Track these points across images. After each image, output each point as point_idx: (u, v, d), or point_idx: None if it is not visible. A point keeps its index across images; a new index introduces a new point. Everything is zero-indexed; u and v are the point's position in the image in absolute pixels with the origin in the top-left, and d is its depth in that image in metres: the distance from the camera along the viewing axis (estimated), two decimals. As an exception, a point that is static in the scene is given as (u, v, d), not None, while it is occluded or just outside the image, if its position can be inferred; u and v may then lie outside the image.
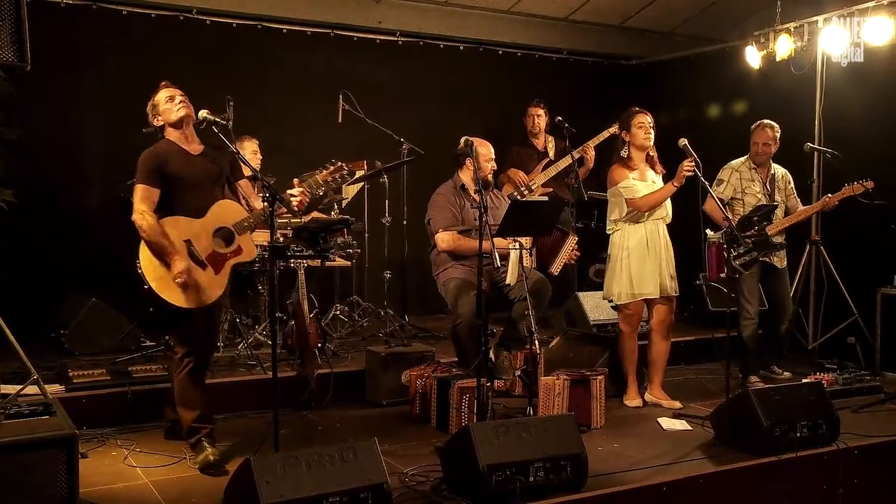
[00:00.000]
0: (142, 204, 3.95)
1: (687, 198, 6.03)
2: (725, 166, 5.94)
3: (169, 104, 4.11)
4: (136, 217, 3.92)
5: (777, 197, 5.86)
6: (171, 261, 3.88)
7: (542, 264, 5.38)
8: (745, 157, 5.92)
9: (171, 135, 4.14)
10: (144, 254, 3.91)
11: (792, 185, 5.98)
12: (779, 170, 5.95)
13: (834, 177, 6.22)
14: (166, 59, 6.79)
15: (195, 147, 4.17)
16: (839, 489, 4.27)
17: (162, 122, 4.12)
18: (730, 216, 5.23)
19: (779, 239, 5.75)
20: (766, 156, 5.84)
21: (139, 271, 3.91)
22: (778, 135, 5.84)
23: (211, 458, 3.97)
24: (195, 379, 4.11)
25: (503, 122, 7.88)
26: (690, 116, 8.08)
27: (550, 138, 6.98)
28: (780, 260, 5.84)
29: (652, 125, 5.15)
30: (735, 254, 5.42)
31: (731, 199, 5.87)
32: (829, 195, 5.77)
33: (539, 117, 6.94)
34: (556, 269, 5.35)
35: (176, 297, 3.91)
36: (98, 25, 6.56)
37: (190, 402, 4.12)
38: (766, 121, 5.87)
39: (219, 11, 6.91)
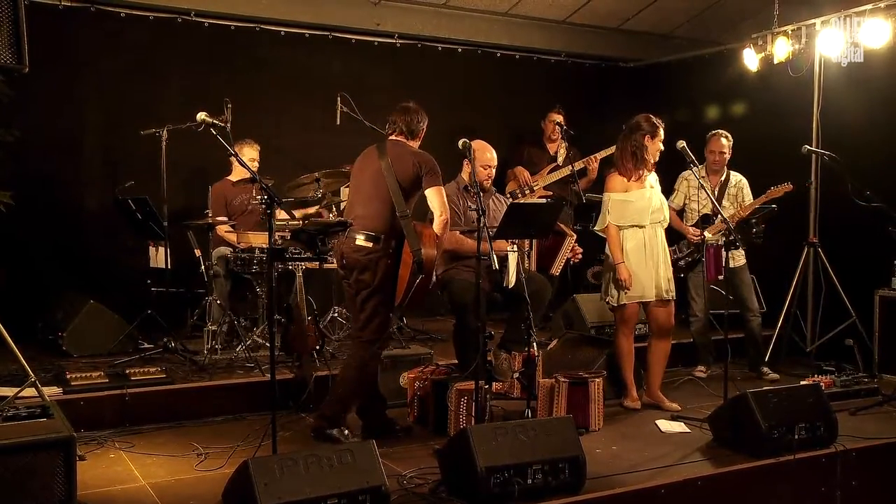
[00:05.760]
0: None
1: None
2: (680, 176, 6.10)
3: None
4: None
5: (725, 203, 5.99)
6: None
7: (541, 266, 5.39)
8: (702, 165, 6.03)
9: None
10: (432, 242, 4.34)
11: (746, 191, 6.05)
12: (734, 177, 6.07)
13: (832, 179, 6.23)
14: (164, 61, 6.80)
15: None
16: (837, 491, 4.28)
17: (420, 136, 4.56)
18: (722, 217, 5.29)
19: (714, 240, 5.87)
20: (720, 164, 6.03)
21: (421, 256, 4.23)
22: (731, 143, 6.00)
23: None
24: None
25: (501, 125, 7.90)
26: (689, 118, 8.07)
27: (564, 144, 7.04)
28: (732, 259, 5.89)
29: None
30: (677, 255, 5.74)
31: (684, 205, 6.09)
32: (739, 209, 5.94)
33: (556, 124, 7.03)
34: (556, 269, 5.39)
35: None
36: (96, 27, 6.55)
37: None
38: (719, 130, 6.06)
39: (217, 14, 6.91)
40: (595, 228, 5.35)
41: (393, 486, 3.57)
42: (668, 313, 5.18)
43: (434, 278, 4.39)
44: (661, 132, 5.13)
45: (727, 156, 6.00)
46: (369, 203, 4.40)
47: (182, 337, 5.92)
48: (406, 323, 6.88)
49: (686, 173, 6.04)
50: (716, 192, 6.00)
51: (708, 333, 6.16)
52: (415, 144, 4.54)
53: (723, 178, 6.05)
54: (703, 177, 5.97)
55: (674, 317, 5.23)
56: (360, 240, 4.32)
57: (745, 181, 6.08)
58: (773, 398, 4.34)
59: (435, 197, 4.35)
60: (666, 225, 5.25)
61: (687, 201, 6.06)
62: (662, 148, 5.16)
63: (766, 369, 6.06)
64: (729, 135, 6.02)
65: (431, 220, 4.49)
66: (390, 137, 4.55)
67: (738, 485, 4.05)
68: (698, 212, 6.00)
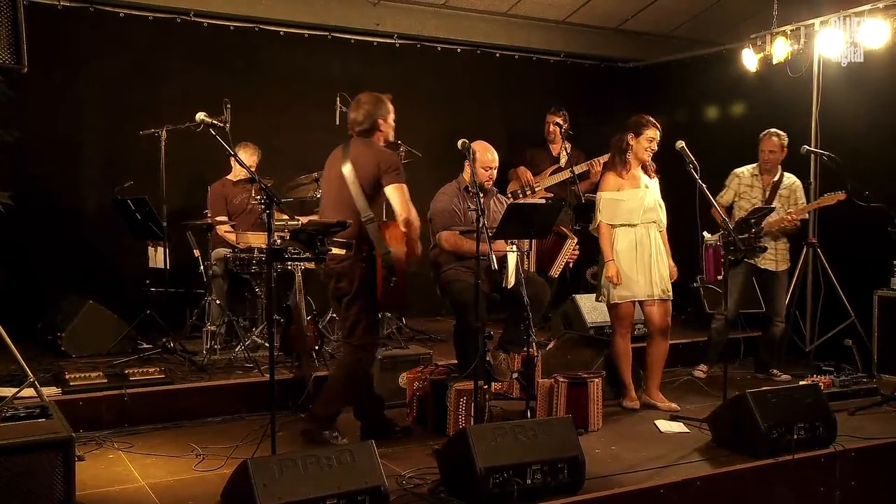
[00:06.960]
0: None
1: (685, 201, 6.04)
2: (732, 172, 6.09)
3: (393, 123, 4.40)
4: (412, 214, 4.22)
5: (776, 203, 5.94)
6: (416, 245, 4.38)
7: (541, 267, 5.40)
8: (755, 164, 6.04)
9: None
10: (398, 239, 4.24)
11: (799, 194, 6.03)
12: (787, 178, 6.04)
13: (831, 179, 6.23)
14: (163, 61, 6.80)
15: None
16: (836, 491, 4.28)
17: (382, 128, 4.32)
18: (727, 219, 5.26)
19: (761, 243, 5.80)
20: (772, 163, 5.99)
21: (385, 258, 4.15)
22: (785, 143, 5.96)
23: None
24: None
25: (500, 125, 7.90)
26: (687, 119, 8.08)
27: (569, 145, 7.05)
28: (773, 263, 5.93)
29: (658, 140, 5.16)
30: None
31: (733, 203, 6.06)
32: (788, 212, 5.88)
33: (555, 125, 7.02)
34: (555, 271, 5.39)
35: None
36: (95, 27, 6.55)
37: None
38: (773, 129, 5.99)
39: (216, 14, 6.91)
40: (590, 228, 5.35)
41: (392, 486, 3.56)
42: (664, 313, 5.17)
43: (433, 274, 4.34)
44: (651, 132, 5.09)
45: (779, 155, 5.96)
46: (336, 208, 4.30)
47: (181, 337, 5.91)
48: (406, 323, 6.88)
49: (739, 170, 6.07)
50: (767, 192, 5.98)
51: (725, 334, 5.95)
52: (381, 138, 4.37)
53: (775, 179, 6.01)
54: (755, 175, 5.97)
55: (671, 316, 5.22)
56: (333, 248, 4.22)
57: (798, 183, 6.04)
58: (773, 398, 4.34)
59: (395, 195, 4.19)
60: (662, 227, 5.23)
61: (737, 199, 6.03)
62: (655, 147, 5.14)
63: (775, 370, 6.06)
64: (782, 133, 5.96)
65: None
66: (353, 137, 4.39)
67: (737, 485, 4.05)
68: (748, 210, 5.90)
